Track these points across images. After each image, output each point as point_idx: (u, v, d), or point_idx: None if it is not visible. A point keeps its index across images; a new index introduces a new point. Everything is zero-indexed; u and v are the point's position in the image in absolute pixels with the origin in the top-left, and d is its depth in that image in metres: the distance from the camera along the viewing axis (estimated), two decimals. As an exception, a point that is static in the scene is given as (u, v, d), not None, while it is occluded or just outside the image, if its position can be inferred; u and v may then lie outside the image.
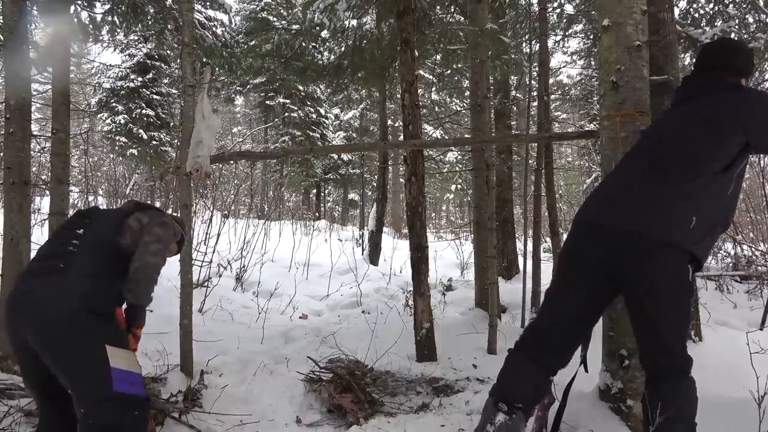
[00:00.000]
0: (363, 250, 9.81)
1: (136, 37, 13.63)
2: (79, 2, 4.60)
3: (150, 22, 5.53)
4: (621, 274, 1.91)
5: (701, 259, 1.92)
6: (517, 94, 9.27)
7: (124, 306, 1.98)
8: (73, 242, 1.94)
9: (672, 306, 1.88)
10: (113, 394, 1.73)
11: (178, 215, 2.99)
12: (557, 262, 2.20)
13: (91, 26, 5.03)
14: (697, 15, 6.48)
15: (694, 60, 2.31)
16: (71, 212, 4.82)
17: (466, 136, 10.75)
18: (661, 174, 1.93)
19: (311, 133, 19.17)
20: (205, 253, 5.92)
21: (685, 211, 1.86)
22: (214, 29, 7.69)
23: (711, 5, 6.36)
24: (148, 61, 15.40)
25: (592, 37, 8.79)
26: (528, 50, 7.48)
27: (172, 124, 15.92)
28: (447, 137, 12.69)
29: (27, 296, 1.82)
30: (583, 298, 2.00)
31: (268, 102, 19.57)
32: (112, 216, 2.10)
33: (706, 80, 2.10)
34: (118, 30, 5.34)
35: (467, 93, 7.79)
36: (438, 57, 7.41)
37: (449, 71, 8.01)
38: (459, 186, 16.68)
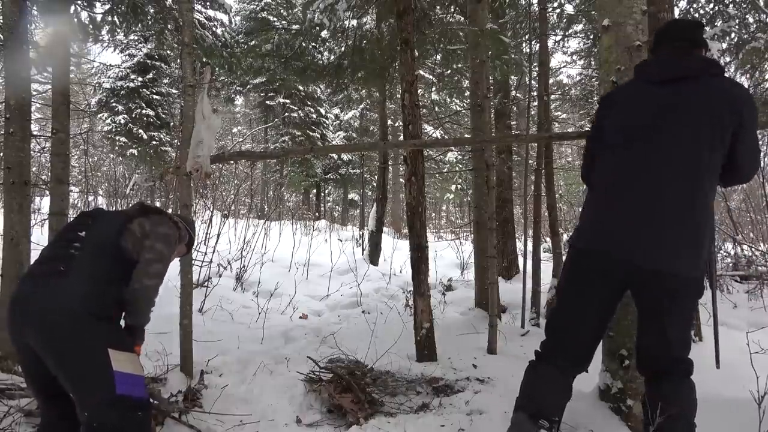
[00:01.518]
0: (363, 250, 9.81)
1: (136, 37, 13.64)
2: (79, 2, 4.59)
3: (150, 22, 5.53)
4: (638, 288, 1.93)
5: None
6: (517, 94, 9.27)
7: (123, 324, 1.97)
8: (75, 245, 1.93)
9: (686, 310, 1.91)
10: (117, 397, 1.74)
11: (186, 215, 2.94)
12: (566, 275, 2.08)
13: (91, 26, 5.03)
14: (697, 15, 6.48)
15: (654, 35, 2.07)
16: (71, 212, 4.84)
17: (466, 136, 10.74)
18: (674, 188, 1.81)
19: (311, 133, 19.18)
20: (205, 253, 5.92)
21: (705, 239, 1.83)
22: (214, 29, 7.70)
23: (711, 5, 6.36)
24: (148, 61, 15.41)
25: (592, 37, 8.78)
26: (528, 50, 7.48)
27: (172, 124, 15.92)
28: (447, 137, 12.68)
29: (28, 298, 1.82)
30: (599, 309, 1.98)
31: (268, 102, 19.58)
32: (114, 218, 2.08)
33: (691, 58, 1.95)
34: (118, 30, 5.34)
35: (467, 93, 7.78)
36: (438, 57, 7.41)
37: (449, 71, 8.01)
38: (459, 186, 16.67)
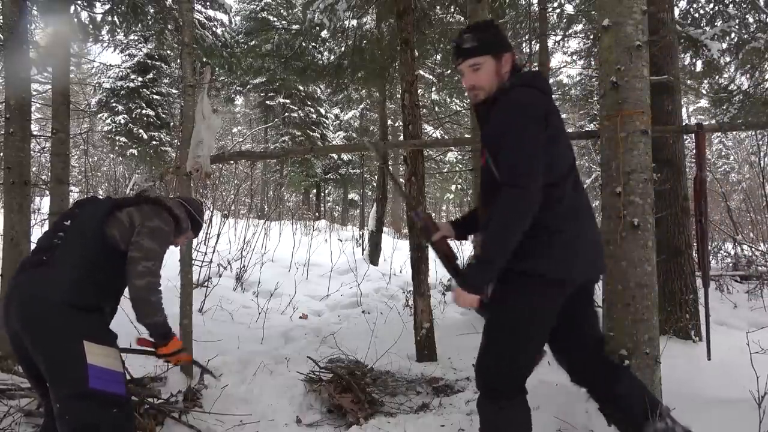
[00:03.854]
0: (363, 250, 9.81)
1: (136, 37, 13.63)
2: (79, 2, 4.60)
3: (150, 22, 5.54)
4: (577, 296, 1.89)
5: None
6: (517, 94, 9.24)
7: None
8: (59, 234, 1.91)
9: None
10: (88, 391, 1.69)
11: (192, 198, 2.73)
12: (539, 309, 1.78)
13: (91, 26, 5.04)
14: (697, 15, 6.47)
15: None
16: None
17: (466, 136, 10.74)
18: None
19: (311, 133, 19.18)
20: (205, 253, 5.92)
21: None
22: (214, 29, 7.70)
23: (711, 5, 6.35)
24: (148, 61, 15.41)
25: (592, 37, 8.79)
26: (528, 50, 7.47)
27: (172, 124, 15.92)
28: (447, 137, 12.68)
29: (15, 291, 1.82)
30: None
31: (268, 102, 19.58)
32: (101, 205, 2.01)
33: None
34: (118, 30, 5.34)
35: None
36: (438, 57, 7.42)
37: (449, 71, 8.01)
38: (459, 186, 16.68)
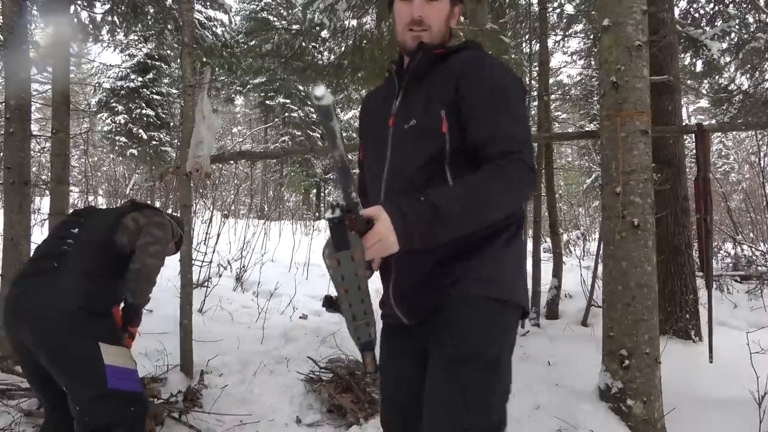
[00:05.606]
0: (363, 250, 9.79)
1: (136, 37, 13.62)
2: (79, 2, 4.60)
3: (150, 22, 5.53)
4: None
5: None
6: (517, 94, 9.24)
7: (122, 305, 1.99)
8: (68, 242, 1.94)
9: None
10: (108, 391, 1.74)
11: (176, 214, 2.98)
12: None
13: (91, 26, 5.04)
14: (697, 15, 6.47)
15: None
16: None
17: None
18: None
19: (311, 133, 19.18)
20: (205, 253, 5.92)
21: None
22: (214, 29, 7.69)
23: (711, 5, 6.35)
24: (148, 61, 15.39)
25: (592, 37, 8.79)
26: (528, 50, 7.48)
27: (172, 124, 15.91)
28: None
29: (21, 297, 1.83)
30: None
31: (268, 102, 19.59)
32: (107, 215, 2.10)
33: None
34: (118, 30, 5.34)
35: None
36: (438, 57, 7.38)
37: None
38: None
